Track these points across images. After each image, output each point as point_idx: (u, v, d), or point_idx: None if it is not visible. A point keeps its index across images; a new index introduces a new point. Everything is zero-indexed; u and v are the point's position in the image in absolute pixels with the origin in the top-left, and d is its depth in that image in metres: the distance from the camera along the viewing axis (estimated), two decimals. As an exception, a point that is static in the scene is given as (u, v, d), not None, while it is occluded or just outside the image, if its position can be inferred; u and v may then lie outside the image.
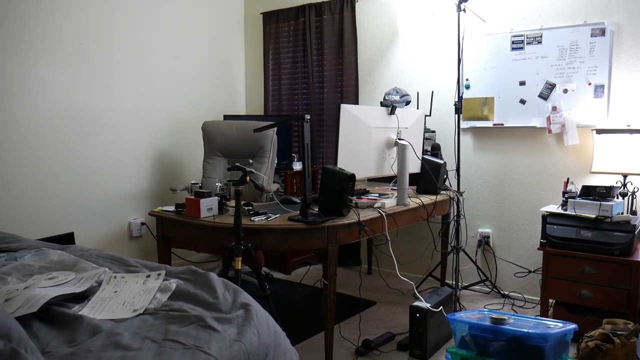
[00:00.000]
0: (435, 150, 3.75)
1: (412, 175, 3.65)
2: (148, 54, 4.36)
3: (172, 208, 2.96)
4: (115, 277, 1.71)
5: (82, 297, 1.61)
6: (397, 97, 4.02)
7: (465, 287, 3.95)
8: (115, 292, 1.61)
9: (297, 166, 4.67)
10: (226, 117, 4.82)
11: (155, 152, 4.47)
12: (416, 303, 2.95)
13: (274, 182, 4.25)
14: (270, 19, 5.00)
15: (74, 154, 3.89)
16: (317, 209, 2.74)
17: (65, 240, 3.76)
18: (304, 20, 4.74)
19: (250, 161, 2.60)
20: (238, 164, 2.49)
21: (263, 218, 2.71)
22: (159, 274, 1.71)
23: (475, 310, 2.71)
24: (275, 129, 4.09)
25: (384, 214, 2.90)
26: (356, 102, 4.50)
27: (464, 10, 3.59)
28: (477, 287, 3.98)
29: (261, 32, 5.07)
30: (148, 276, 1.71)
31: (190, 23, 4.70)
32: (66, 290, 1.57)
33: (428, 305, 2.90)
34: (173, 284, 1.64)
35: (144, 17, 4.30)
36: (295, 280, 4.28)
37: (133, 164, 4.30)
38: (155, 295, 1.56)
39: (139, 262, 1.94)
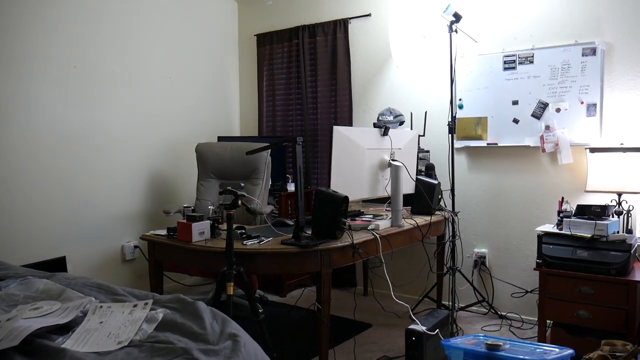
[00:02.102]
0: (430, 170, 3.73)
1: (406, 196, 3.64)
2: (142, 76, 4.36)
3: (164, 232, 2.93)
4: (101, 306, 1.67)
5: (66, 328, 1.57)
6: (390, 118, 4.02)
7: (462, 308, 3.91)
8: (101, 322, 1.57)
9: (292, 187, 4.64)
10: (220, 138, 4.81)
11: (148, 173, 4.45)
12: (412, 326, 2.90)
13: (269, 203, 4.22)
14: (264, 40, 5.02)
15: (65, 176, 3.86)
16: (310, 232, 2.71)
17: (57, 264, 3.72)
18: (297, 42, 4.76)
19: (242, 184, 2.58)
20: (230, 187, 2.47)
21: (255, 242, 2.68)
22: (146, 304, 1.67)
23: (471, 335, 2.67)
24: (269, 150, 4.08)
25: (378, 236, 2.87)
26: (350, 123, 4.50)
27: (456, 31, 3.61)
28: (474, 308, 3.93)
29: (255, 54, 5.09)
30: (135, 306, 1.67)
31: (184, 44, 4.71)
32: (50, 322, 1.53)
33: (424, 328, 2.86)
34: (160, 313, 1.60)
35: (137, 39, 4.31)
36: (290, 302, 4.23)
37: (126, 186, 4.28)
38: (141, 326, 1.52)
39: (127, 290, 1.90)
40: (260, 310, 3.77)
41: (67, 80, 3.85)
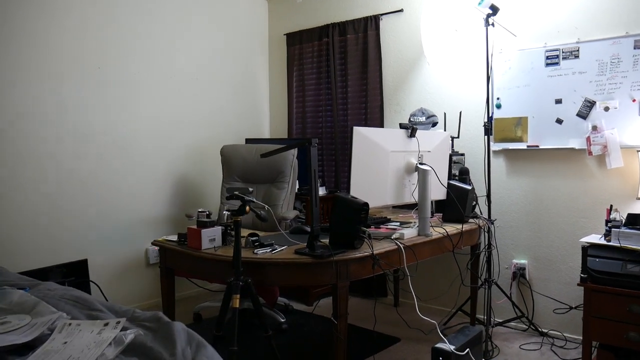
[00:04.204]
0: (463, 174, 3.47)
1: (439, 203, 3.40)
2: (168, 77, 4.28)
3: (175, 238, 2.80)
4: (69, 324, 1.53)
5: (29, 347, 1.44)
6: (422, 119, 3.78)
7: (499, 324, 3.62)
8: (65, 343, 1.42)
9: (321, 191, 4.46)
10: (248, 140, 4.68)
11: (174, 176, 4.36)
12: (439, 344, 2.67)
13: (295, 208, 4.05)
14: (294, 39, 4.87)
15: (89, 178, 3.81)
16: (327, 241, 2.52)
17: (78, 267, 3.67)
18: (327, 41, 4.59)
19: (251, 189, 2.41)
20: (237, 192, 2.31)
21: (268, 250, 2.51)
22: (118, 322, 1.52)
23: None
24: (296, 152, 3.93)
25: (401, 246, 2.65)
26: (381, 124, 4.28)
27: (493, 24, 3.34)
28: (512, 324, 3.64)
29: (285, 53, 4.95)
30: (106, 324, 1.52)
31: (212, 45, 4.61)
32: (8, 340, 1.40)
33: (452, 347, 2.62)
34: (130, 334, 1.44)
35: (163, 39, 4.24)
36: (316, 312, 4.03)
37: (151, 189, 4.20)
38: (104, 351, 1.36)
39: (106, 305, 1.76)
40: (282, 320, 3.65)
41: (90, 82, 3.80)
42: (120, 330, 1.47)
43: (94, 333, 1.47)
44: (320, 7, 4.68)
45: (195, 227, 2.63)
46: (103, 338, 1.43)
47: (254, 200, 2.33)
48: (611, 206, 3.03)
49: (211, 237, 2.59)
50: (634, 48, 3.11)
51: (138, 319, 1.60)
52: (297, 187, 4.12)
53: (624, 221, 2.89)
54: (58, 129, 3.63)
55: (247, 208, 2.28)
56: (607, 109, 3.23)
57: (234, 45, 4.83)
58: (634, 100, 3.13)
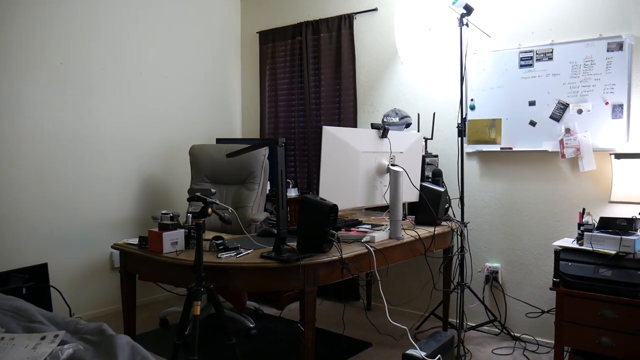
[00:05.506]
0: (436, 176, 3.41)
1: (411, 205, 3.34)
2: (135, 74, 4.14)
3: (137, 241, 2.67)
4: (2, 338, 1.41)
5: (-44, 365, 1.32)
6: (396, 119, 3.72)
7: (472, 328, 3.57)
8: (-4, 359, 1.32)
9: (293, 192, 4.37)
10: (219, 140, 4.56)
11: (141, 177, 4.22)
12: (410, 351, 2.60)
13: (265, 210, 3.95)
14: (267, 37, 4.77)
15: (51, 179, 3.65)
16: (295, 244, 2.43)
17: (37, 271, 3.50)
18: (300, 39, 4.50)
19: (213, 190, 2.31)
20: (199, 193, 2.20)
21: (232, 254, 2.40)
22: (56, 336, 1.40)
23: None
24: (267, 152, 3.83)
25: (372, 249, 2.57)
26: (355, 124, 4.21)
27: (467, 24, 3.29)
28: (485, 328, 3.59)
29: (257, 52, 4.84)
30: (43, 338, 1.41)
31: (182, 41, 4.48)
32: None
33: (423, 354, 2.55)
34: (67, 349, 1.33)
35: (130, 34, 4.09)
36: (287, 316, 3.94)
37: (117, 190, 4.05)
38: (37, 368, 1.26)
39: (48, 316, 1.64)
40: (252, 325, 3.55)
41: (52, 79, 3.64)
42: (59, 345, 1.35)
43: (28, 348, 1.35)
44: (294, 5, 4.59)
45: (156, 229, 2.51)
46: (38, 354, 1.31)
47: (217, 202, 2.23)
48: (584, 209, 3.00)
49: (173, 240, 2.48)
50: (607, 50, 3.09)
51: (81, 331, 1.49)
52: (269, 188, 4.03)
53: (596, 225, 2.86)
54: (18, 129, 3.47)
55: (210, 210, 2.17)
56: (580, 111, 3.20)
57: (205, 42, 4.70)
58: (606, 103, 3.11)
